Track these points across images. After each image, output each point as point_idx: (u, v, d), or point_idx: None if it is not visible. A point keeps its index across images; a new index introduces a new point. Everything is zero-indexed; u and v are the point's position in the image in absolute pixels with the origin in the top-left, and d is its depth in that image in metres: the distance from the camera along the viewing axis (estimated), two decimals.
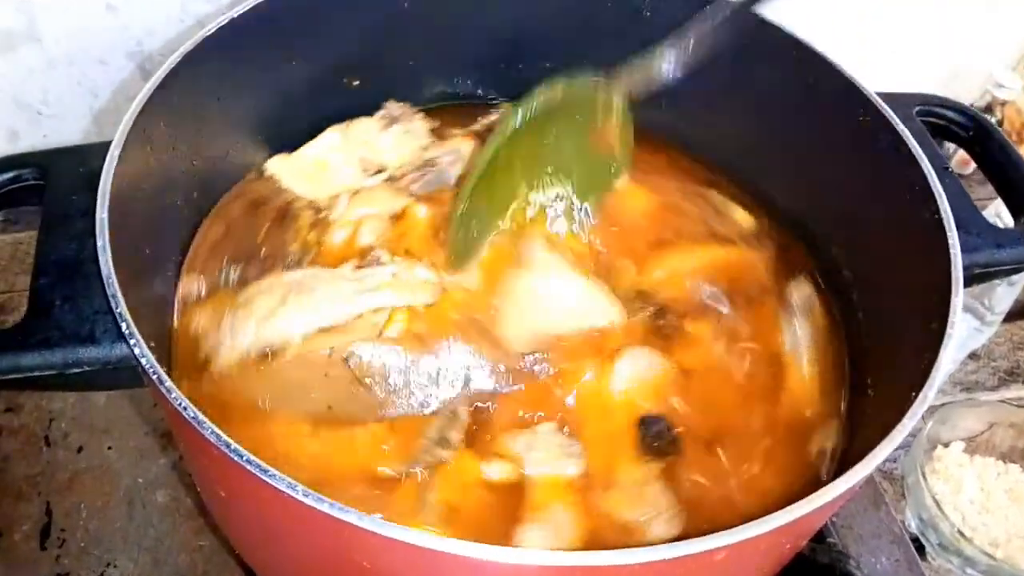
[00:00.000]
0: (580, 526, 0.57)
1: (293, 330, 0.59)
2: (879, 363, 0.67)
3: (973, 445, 0.88)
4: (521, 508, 0.57)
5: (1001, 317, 1.04)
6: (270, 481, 0.44)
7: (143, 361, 0.48)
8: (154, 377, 0.47)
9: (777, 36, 0.75)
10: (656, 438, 0.62)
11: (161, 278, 0.67)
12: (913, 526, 0.85)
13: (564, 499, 0.57)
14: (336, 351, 0.59)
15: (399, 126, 0.80)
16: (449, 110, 0.86)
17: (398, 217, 0.71)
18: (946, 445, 0.88)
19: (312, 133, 0.78)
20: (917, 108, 0.74)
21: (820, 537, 0.78)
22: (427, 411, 0.60)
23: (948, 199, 0.63)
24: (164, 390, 0.47)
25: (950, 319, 0.55)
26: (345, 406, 0.59)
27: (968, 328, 1.03)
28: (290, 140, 0.78)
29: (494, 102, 0.87)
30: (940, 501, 0.81)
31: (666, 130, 0.83)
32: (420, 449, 0.57)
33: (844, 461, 0.64)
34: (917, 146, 0.66)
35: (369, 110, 0.81)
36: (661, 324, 0.68)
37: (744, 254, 0.75)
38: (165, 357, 0.64)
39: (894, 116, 0.68)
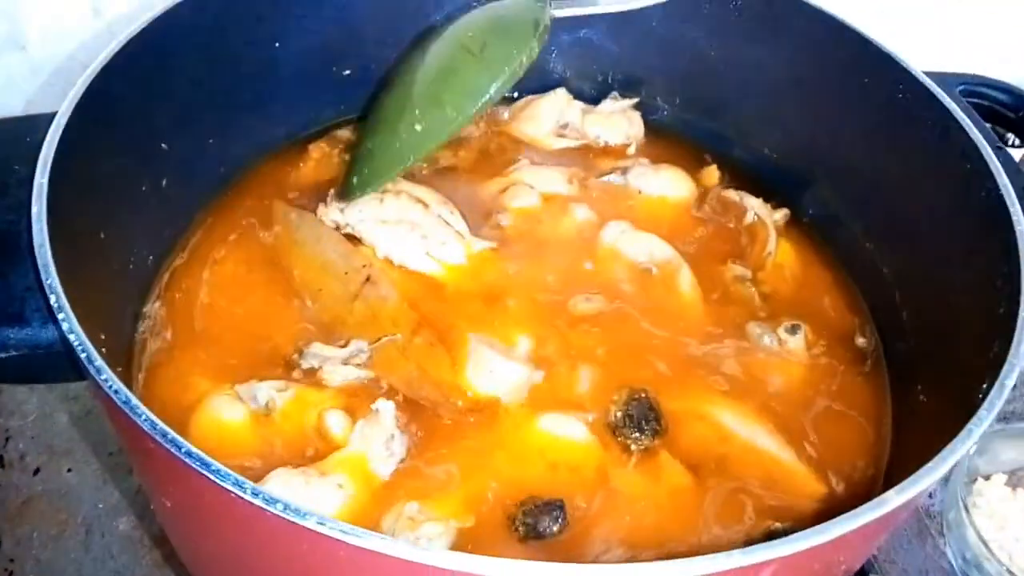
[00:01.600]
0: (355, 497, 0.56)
1: None
2: (931, 366, 0.59)
3: (1016, 478, 0.81)
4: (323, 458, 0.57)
5: None
6: (214, 478, 0.36)
7: (72, 338, 0.41)
8: (82, 355, 0.40)
9: (810, 14, 0.70)
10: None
11: (122, 270, 0.61)
12: (955, 565, 0.76)
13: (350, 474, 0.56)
14: None
15: None
16: None
17: None
18: (987, 478, 0.81)
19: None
20: (960, 88, 0.67)
21: (863, 572, 0.69)
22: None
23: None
24: (93, 370, 0.39)
25: (1023, 299, 0.47)
26: None
27: None
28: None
29: None
30: (986, 539, 0.73)
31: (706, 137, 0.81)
32: None
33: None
34: (966, 119, 0.59)
35: None
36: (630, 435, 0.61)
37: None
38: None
39: (938, 89, 0.61)
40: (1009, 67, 0.80)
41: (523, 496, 0.57)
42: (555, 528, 0.55)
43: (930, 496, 0.83)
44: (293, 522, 0.36)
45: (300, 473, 0.56)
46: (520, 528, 0.55)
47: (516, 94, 0.85)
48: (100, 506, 0.75)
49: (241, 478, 0.37)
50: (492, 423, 0.61)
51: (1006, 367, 0.45)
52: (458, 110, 0.67)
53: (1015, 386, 0.94)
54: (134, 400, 0.38)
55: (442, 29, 0.74)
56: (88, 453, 0.79)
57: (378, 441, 0.58)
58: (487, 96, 0.67)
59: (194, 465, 0.37)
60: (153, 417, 0.38)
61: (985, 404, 0.43)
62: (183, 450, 0.37)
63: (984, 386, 0.46)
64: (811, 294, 0.73)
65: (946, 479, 0.82)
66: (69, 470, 0.78)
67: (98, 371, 0.39)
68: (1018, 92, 0.68)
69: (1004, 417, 0.93)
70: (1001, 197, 0.54)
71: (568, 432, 0.61)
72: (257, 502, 0.36)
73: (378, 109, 0.74)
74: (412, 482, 0.58)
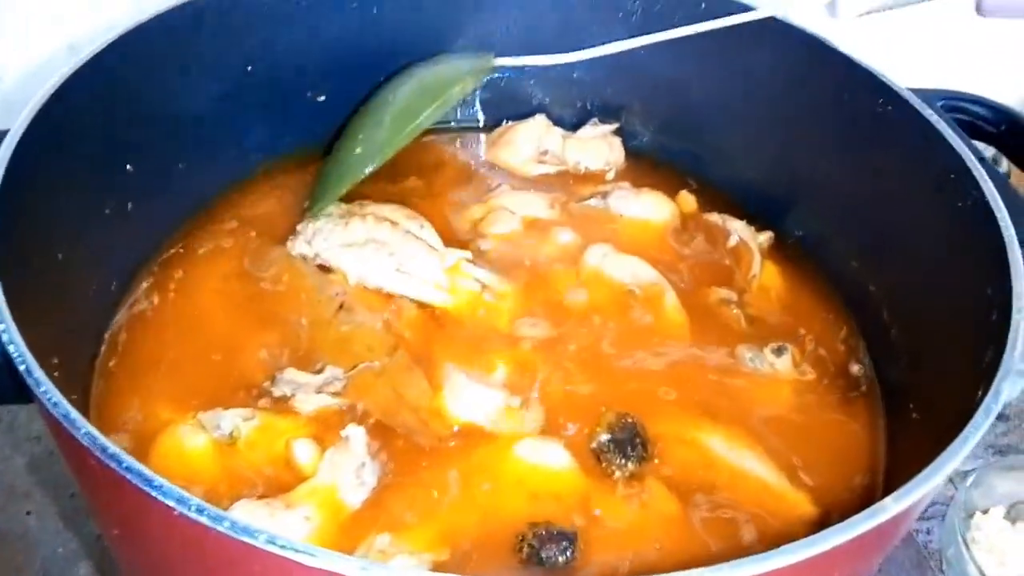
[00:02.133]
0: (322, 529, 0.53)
1: None
2: (923, 381, 0.57)
3: (1015, 512, 0.78)
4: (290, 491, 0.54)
5: None
6: (157, 494, 0.33)
7: (11, 350, 0.38)
8: (21, 367, 0.37)
9: (786, 33, 0.69)
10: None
11: (83, 294, 0.58)
12: None
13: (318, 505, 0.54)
14: None
15: None
16: None
17: None
18: (985, 512, 0.78)
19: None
20: (941, 103, 0.67)
21: None
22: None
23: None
24: (33, 382, 0.37)
25: (1015, 304, 0.45)
26: None
27: None
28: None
29: None
30: (987, 575, 0.70)
31: (687, 161, 0.81)
32: None
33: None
34: (948, 129, 0.58)
35: None
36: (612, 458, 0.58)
37: None
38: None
39: (919, 102, 0.60)
40: (987, 85, 0.79)
41: (504, 526, 0.54)
42: (560, 560, 0.52)
43: (928, 532, 0.81)
44: (242, 541, 0.33)
45: (264, 505, 0.53)
46: (524, 549, 0.53)
47: (478, 119, 0.86)
48: (59, 551, 0.71)
49: (185, 494, 0.34)
50: (469, 451, 0.59)
51: (1001, 371, 0.43)
52: (393, 132, 0.71)
53: (1009, 418, 0.95)
54: (73, 413, 0.36)
55: (404, 70, 0.77)
56: (48, 496, 0.75)
57: (348, 469, 0.55)
58: (418, 120, 0.70)
59: (135, 481, 0.34)
60: (94, 431, 0.35)
61: (981, 409, 0.40)
62: (124, 465, 0.34)
63: (979, 394, 0.43)
64: (798, 315, 0.71)
65: (942, 516, 0.80)
66: (28, 513, 0.74)
67: (37, 383, 0.37)
68: (998, 107, 0.67)
69: (1000, 450, 0.92)
70: (987, 204, 0.53)
71: (548, 459, 0.59)
72: (202, 520, 0.33)
73: (336, 139, 0.76)
74: (383, 513, 0.54)
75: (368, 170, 0.70)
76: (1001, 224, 0.52)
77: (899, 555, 0.72)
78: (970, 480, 0.77)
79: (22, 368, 0.38)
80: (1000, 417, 0.94)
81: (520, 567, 0.52)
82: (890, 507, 0.36)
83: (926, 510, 0.85)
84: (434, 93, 0.71)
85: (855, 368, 0.67)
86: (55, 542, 0.72)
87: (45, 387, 0.37)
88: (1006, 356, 0.44)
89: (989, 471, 0.79)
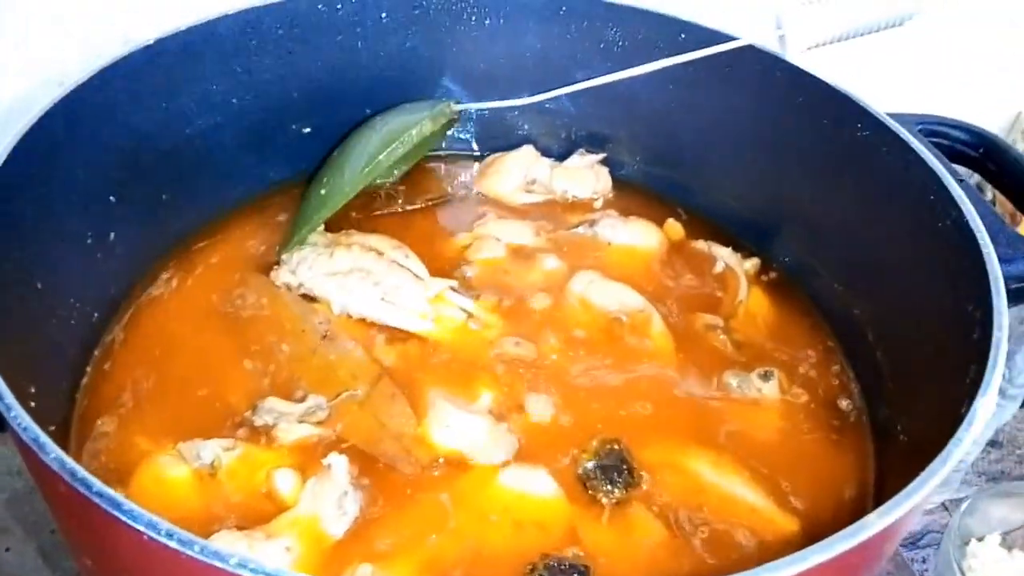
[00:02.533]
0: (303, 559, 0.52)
1: None
2: (909, 402, 0.57)
3: (1010, 539, 0.78)
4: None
5: (1023, 391, 0.94)
6: (127, 519, 0.33)
7: None
8: None
9: (765, 62, 0.70)
10: None
11: (62, 324, 0.58)
12: None
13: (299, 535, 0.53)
14: None
15: None
16: None
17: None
18: (980, 539, 0.78)
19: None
20: (919, 127, 0.67)
21: None
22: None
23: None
24: (3, 407, 0.36)
25: (996, 320, 0.45)
26: None
27: None
28: None
29: None
30: None
31: (673, 190, 0.82)
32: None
33: None
34: (926, 151, 0.58)
35: None
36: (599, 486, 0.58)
37: None
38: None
39: (897, 125, 0.61)
40: (966, 109, 0.81)
41: (488, 556, 0.53)
42: None
43: (923, 562, 0.80)
44: (214, 566, 0.32)
45: (244, 536, 0.52)
46: None
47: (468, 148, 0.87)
48: None
49: (156, 519, 0.33)
50: (453, 479, 0.58)
51: (982, 386, 0.42)
52: (352, 172, 0.73)
53: (1002, 445, 0.95)
54: (43, 438, 0.35)
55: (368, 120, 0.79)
56: (28, 532, 0.74)
57: (330, 499, 0.54)
58: (377, 160, 0.72)
59: (105, 506, 0.33)
60: (63, 456, 0.35)
61: (963, 424, 0.40)
62: (94, 490, 0.33)
63: (963, 410, 0.43)
64: (785, 340, 0.71)
65: (937, 544, 0.79)
66: (7, 550, 0.73)
67: (8, 408, 0.36)
68: (976, 130, 0.68)
69: (993, 477, 0.91)
70: (967, 223, 0.53)
71: (533, 487, 0.58)
72: (173, 544, 0.32)
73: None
74: (365, 543, 0.54)
75: (330, 209, 0.71)
76: (980, 242, 0.52)
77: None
78: (964, 507, 0.77)
79: None
80: (992, 444, 0.94)
81: None
82: (874, 523, 0.35)
83: (921, 538, 0.84)
84: (391, 136, 0.74)
85: (842, 393, 0.67)
86: None
87: (15, 412, 0.36)
88: (988, 373, 0.44)
89: (983, 498, 0.78)
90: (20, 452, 0.38)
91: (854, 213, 0.67)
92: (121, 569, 0.39)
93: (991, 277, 0.49)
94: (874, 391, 0.64)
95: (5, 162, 0.50)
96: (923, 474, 0.38)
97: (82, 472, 0.34)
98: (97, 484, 0.34)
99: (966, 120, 0.71)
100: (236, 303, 0.68)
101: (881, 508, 0.36)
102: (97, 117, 0.61)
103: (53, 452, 0.35)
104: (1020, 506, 0.78)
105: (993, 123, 1.09)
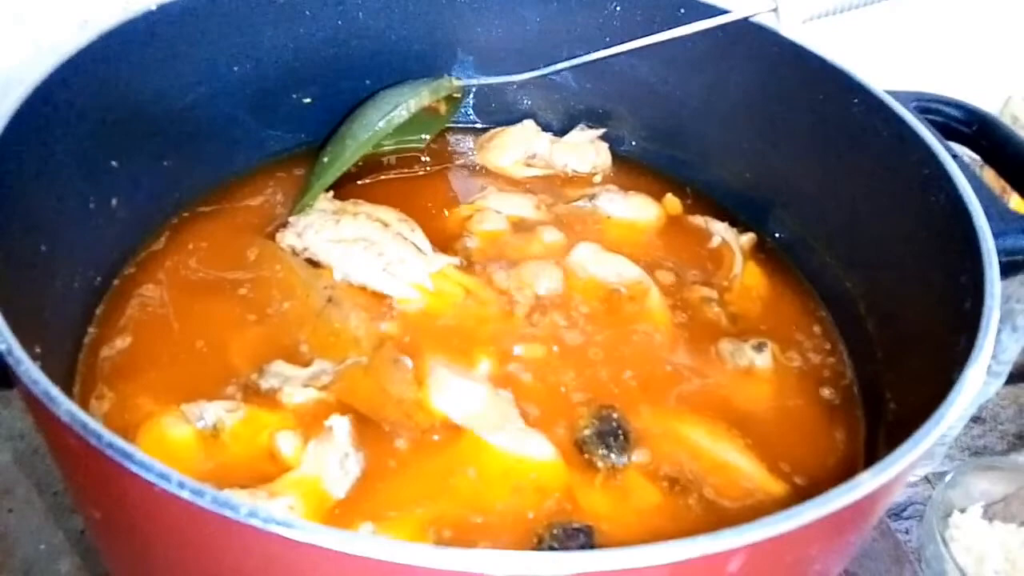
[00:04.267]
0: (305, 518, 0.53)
1: None
2: (900, 372, 0.58)
3: (991, 511, 0.80)
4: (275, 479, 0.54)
5: (1007, 368, 0.96)
6: (137, 469, 0.34)
7: None
8: (2, 347, 0.37)
9: (761, 37, 0.71)
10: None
11: (66, 287, 0.58)
12: None
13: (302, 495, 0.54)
14: None
15: None
16: None
17: None
18: (962, 511, 0.79)
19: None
20: (914, 104, 0.68)
21: None
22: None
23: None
24: (13, 361, 0.37)
25: (988, 290, 0.46)
26: None
27: None
28: None
29: None
30: (966, 573, 0.71)
31: (672, 165, 0.83)
32: None
33: None
34: (921, 127, 0.59)
35: None
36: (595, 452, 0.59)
37: None
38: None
39: (892, 100, 0.62)
40: (962, 87, 0.81)
41: (486, 516, 0.55)
42: None
43: (907, 532, 0.82)
44: (224, 515, 0.33)
45: (248, 495, 0.53)
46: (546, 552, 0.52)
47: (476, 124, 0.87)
48: (42, 547, 0.71)
49: (167, 469, 0.34)
50: (452, 443, 0.59)
51: (973, 354, 0.43)
52: (352, 140, 0.75)
53: (985, 420, 0.96)
54: (54, 391, 0.36)
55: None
56: (31, 493, 0.75)
57: (332, 460, 0.55)
58: (376, 128, 0.74)
59: (116, 457, 0.34)
60: (74, 408, 0.35)
61: (955, 389, 0.41)
62: (104, 440, 0.34)
63: (952, 378, 0.44)
64: (779, 314, 0.72)
65: (920, 516, 0.81)
66: (10, 511, 0.74)
67: (18, 362, 0.37)
68: (970, 108, 0.68)
69: (976, 451, 0.93)
70: (960, 197, 0.54)
71: (532, 451, 0.59)
72: (184, 494, 0.33)
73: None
74: (367, 503, 0.55)
75: (331, 176, 0.73)
76: (974, 216, 0.53)
77: (878, 549, 0.72)
78: (947, 480, 0.78)
79: (2, 348, 0.38)
80: (975, 420, 0.96)
81: None
82: (867, 481, 0.37)
83: (904, 510, 0.86)
84: (389, 106, 0.75)
85: (834, 365, 0.68)
86: (37, 538, 0.72)
87: (26, 366, 0.37)
88: (979, 340, 0.45)
89: (966, 471, 0.80)
90: (29, 406, 0.39)
91: (848, 188, 0.68)
92: (130, 521, 0.40)
93: (984, 249, 0.50)
94: (866, 363, 0.65)
95: (6, 130, 0.50)
96: (916, 434, 0.39)
97: (93, 424, 0.35)
98: (108, 435, 0.35)
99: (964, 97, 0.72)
100: (240, 265, 0.69)
101: (875, 467, 0.37)
102: (98, 83, 0.60)
103: (64, 404, 0.35)
104: (1001, 479, 0.80)
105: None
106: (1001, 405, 0.98)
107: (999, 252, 0.56)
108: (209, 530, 0.34)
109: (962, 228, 0.53)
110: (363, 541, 0.33)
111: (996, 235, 0.56)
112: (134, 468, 0.34)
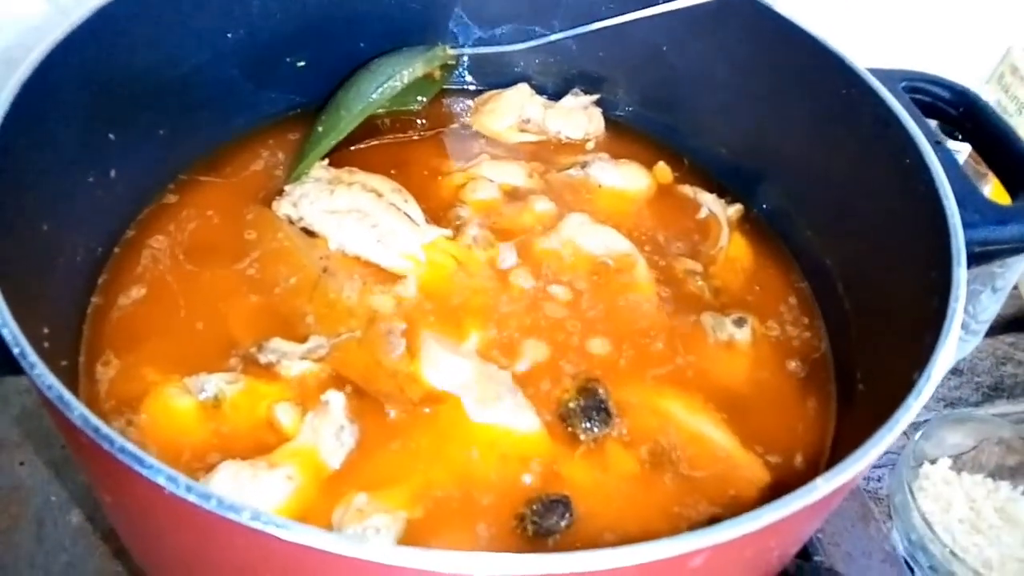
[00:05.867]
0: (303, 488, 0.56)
1: None
2: (869, 355, 0.61)
3: (960, 462, 0.83)
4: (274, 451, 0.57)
5: (985, 327, 0.98)
6: (147, 473, 0.36)
7: (4, 333, 0.41)
8: (16, 351, 0.40)
9: (759, 12, 0.71)
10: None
11: (68, 263, 0.60)
12: (901, 548, 0.78)
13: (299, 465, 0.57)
14: None
15: None
16: None
17: None
18: (932, 462, 0.83)
19: None
20: (903, 84, 0.68)
21: (807, 555, 0.71)
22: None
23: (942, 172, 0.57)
24: (27, 365, 0.39)
25: (953, 292, 0.48)
26: None
27: None
28: None
29: None
30: (930, 521, 0.75)
31: (665, 133, 0.83)
32: None
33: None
34: (906, 114, 0.60)
35: None
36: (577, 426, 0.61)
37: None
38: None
39: (880, 86, 0.62)
40: (953, 65, 0.81)
41: (476, 485, 0.58)
42: (563, 524, 0.56)
43: (878, 480, 0.85)
44: (227, 519, 0.36)
45: (249, 465, 0.56)
46: (528, 528, 0.56)
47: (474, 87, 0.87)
48: (53, 499, 0.74)
49: (174, 473, 0.37)
50: (443, 415, 0.62)
51: (933, 358, 0.46)
52: (347, 110, 0.75)
53: (963, 372, 0.99)
54: (67, 396, 0.38)
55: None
56: (40, 446, 0.78)
57: (328, 432, 0.58)
58: (370, 99, 0.76)
59: (127, 461, 0.37)
60: (87, 413, 0.38)
61: (912, 393, 0.44)
62: (116, 445, 0.37)
63: (914, 376, 0.47)
64: (762, 288, 0.74)
65: (893, 464, 0.84)
66: (21, 463, 0.76)
67: (32, 366, 0.39)
68: (959, 89, 0.69)
69: (951, 403, 0.96)
70: (937, 192, 0.56)
71: (518, 423, 0.62)
72: (191, 498, 0.36)
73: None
74: (362, 473, 0.58)
75: (326, 146, 0.74)
76: (947, 212, 0.54)
77: (845, 507, 0.76)
78: (920, 432, 0.80)
79: (16, 352, 0.40)
80: (954, 371, 0.98)
81: (527, 547, 0.55)
82: (820, 487, 0.40)
83: (879, 458, 0.90)
84: (383, 76, 0.76)
85: (811, 341, 0.70)
86: (47, 490, 0.74)
87: (39, 370, 0.39)
88: (940, 341, 0.47)
89: (940, 423, 0.82)
90: (42, 403, 0.41)
91: (834, 167, 0.69)
92: (139, 509, 0.43)
93: (953, 249, 0.51)
94: (840, 340, 0.67)
95: (6, 112, 0.51)
96: (866, 443, 0.41)
97: (105, 428, 0.37)
98: (119, 440, 0.37)
99: (946, 70, 0.72)
100: (237, 235, 0.70)
101: (828, 472, 0.40)
102: (94, 56, 0.61)
103: (77, 409, 0.38)
104: (973, 432, 0.82)
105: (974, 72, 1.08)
106: (979, 357, 1.00)
107: (973, 243, 0.58)
108: (214, 530, 0.37)
109: (936, 224, 0.54)
110: (350, 543, 0.36)
111: (970, 226, 0.57)
112: (144, 472, 0.36)
